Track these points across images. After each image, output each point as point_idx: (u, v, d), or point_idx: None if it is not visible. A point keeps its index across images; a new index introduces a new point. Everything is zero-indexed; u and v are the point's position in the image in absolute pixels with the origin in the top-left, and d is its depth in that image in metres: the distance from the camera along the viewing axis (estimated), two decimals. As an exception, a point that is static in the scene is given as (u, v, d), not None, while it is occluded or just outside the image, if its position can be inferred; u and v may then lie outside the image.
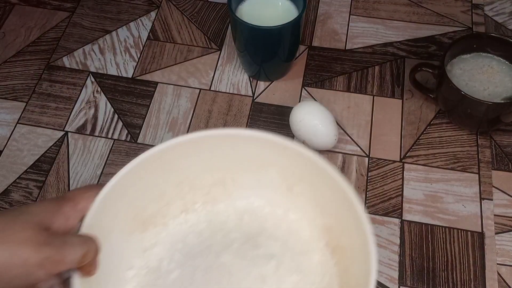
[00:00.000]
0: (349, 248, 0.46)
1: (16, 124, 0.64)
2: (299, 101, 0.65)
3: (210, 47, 0.71)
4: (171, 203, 0.51)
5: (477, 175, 0.59)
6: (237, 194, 0.53)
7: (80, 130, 0.63)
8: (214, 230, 0.51)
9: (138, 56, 0.70)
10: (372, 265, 0.41)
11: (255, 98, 0.66)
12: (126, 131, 0.63)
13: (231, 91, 0.66)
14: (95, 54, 0.70)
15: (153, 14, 0.74)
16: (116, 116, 0.65)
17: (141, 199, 0.48)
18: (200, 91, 0.67)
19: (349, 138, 0.62)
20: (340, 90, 0.66)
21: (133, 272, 0.48)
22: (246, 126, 0.64)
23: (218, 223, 0.52)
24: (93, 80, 0.68)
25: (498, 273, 0.53)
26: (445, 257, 0.54)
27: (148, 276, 0.48)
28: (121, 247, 0.47)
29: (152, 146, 0.55)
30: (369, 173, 0.60)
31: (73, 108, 0.65)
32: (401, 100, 0.65)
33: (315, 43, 0.71)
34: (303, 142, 0.59)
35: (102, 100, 0.66)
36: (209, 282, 0.46)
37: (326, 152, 0.61)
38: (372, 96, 0.66)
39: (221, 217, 0.52)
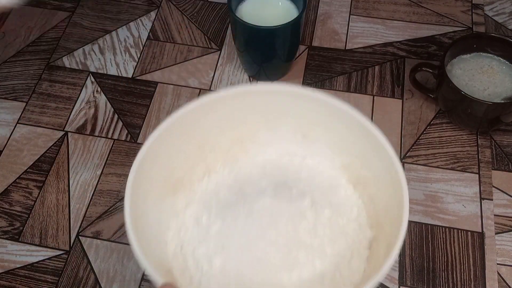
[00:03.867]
0: (372, 177, 0.49)
1: (16, 124, 0.64)
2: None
3: (210, 47, 0.71)
4: (195, 166, 0.53)
5: (477, 175, 0.59)
6: (255, 151, 0.55)
7: (80, 130, 0.63)
8: (243, 182, 0.53)
9: (138, 56, 0.70)
10: (402, 183, 0.43)
11: (255, 98, 0.66)
12: (126, 131, 0.63)
13: (231, 91, 0.66)
14: (95, 54, 0.70)
15: (153, 14, 0.74)
16: (116, 116, 0.65)
17: (169, 164, 0.50)
18: (200, 91, 0.67)
19: (349, 138, 0.62)
20: (340, 90, 0.66)
21: (171, 233, 0.50)
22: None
23: (244, 176, 0.54)
24: (93, 80, 0.68)
25: (498, 273, 0.53)
26: (445, 257, 0.54)
27: (188, 234, 0.50)
28: (158, 211, 0.49)
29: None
30: (369, 173, 0.60)
31: (73, 108, 0.65)
32: (401, 100, 0.65)
33: (315, 43, 0.71)
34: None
35: (102, 100, 0.66)
36: (252, 225, 0.48)
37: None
38: (372, 96, 0.66)
39: (245, 170, 0.55)
